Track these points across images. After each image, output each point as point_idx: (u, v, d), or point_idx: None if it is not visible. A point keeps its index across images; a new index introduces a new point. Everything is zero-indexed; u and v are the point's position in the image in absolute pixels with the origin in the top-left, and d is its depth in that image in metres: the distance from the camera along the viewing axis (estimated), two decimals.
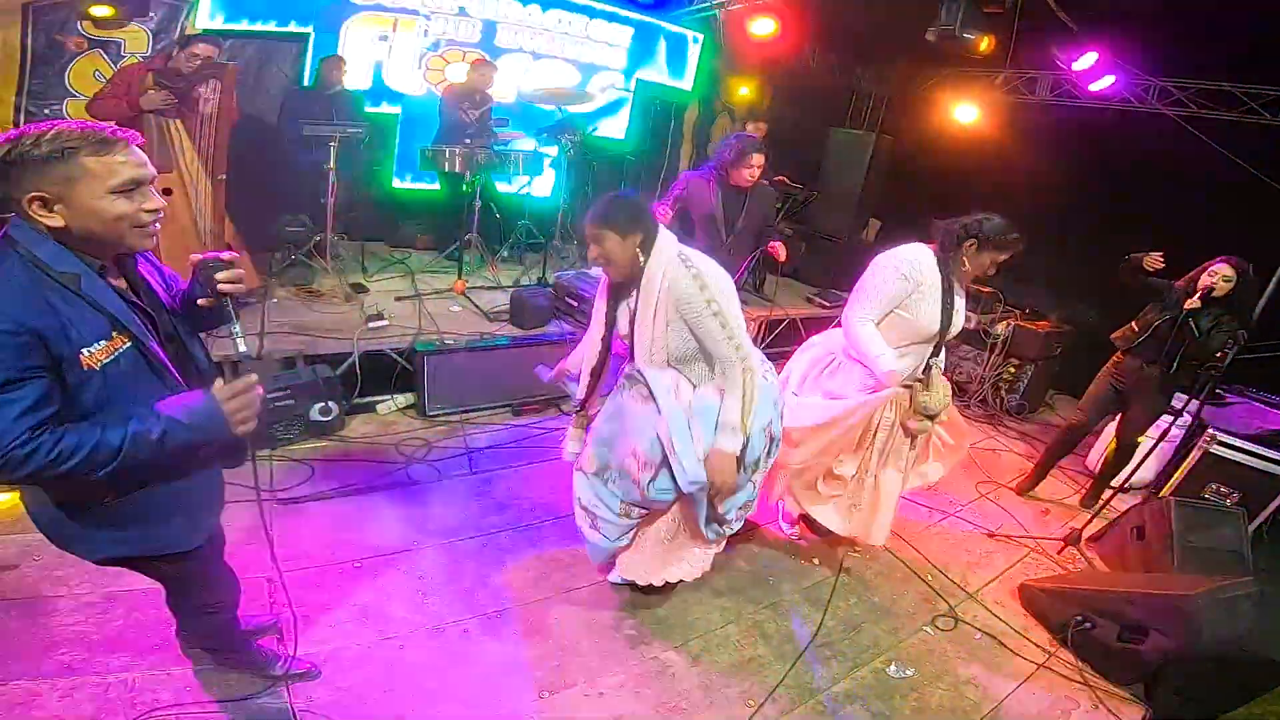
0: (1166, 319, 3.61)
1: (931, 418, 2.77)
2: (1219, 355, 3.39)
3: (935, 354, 2.81)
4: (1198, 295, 3.46)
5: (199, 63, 3.70)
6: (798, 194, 6.67)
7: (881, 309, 2.68)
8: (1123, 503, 3.87)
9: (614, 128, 6.86)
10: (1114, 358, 3.95)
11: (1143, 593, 2.75)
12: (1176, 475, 4.09)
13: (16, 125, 4.61)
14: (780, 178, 6.01)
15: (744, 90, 7.31)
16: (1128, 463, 3.90)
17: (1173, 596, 2.61)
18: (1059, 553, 3.64)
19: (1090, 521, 3.72)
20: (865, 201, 6.95)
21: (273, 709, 2.13)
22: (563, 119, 5.27)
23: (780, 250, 4.21)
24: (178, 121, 3.71)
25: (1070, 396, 5.70)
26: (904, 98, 7.45)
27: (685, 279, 2.16)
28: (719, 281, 2.21)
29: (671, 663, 2.56)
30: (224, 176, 3.78)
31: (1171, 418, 3.79)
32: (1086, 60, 5.36)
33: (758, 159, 3.81)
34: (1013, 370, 5.47)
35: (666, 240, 2.23)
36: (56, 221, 1.36)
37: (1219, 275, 3.44)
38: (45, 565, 2.56)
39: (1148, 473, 4.08)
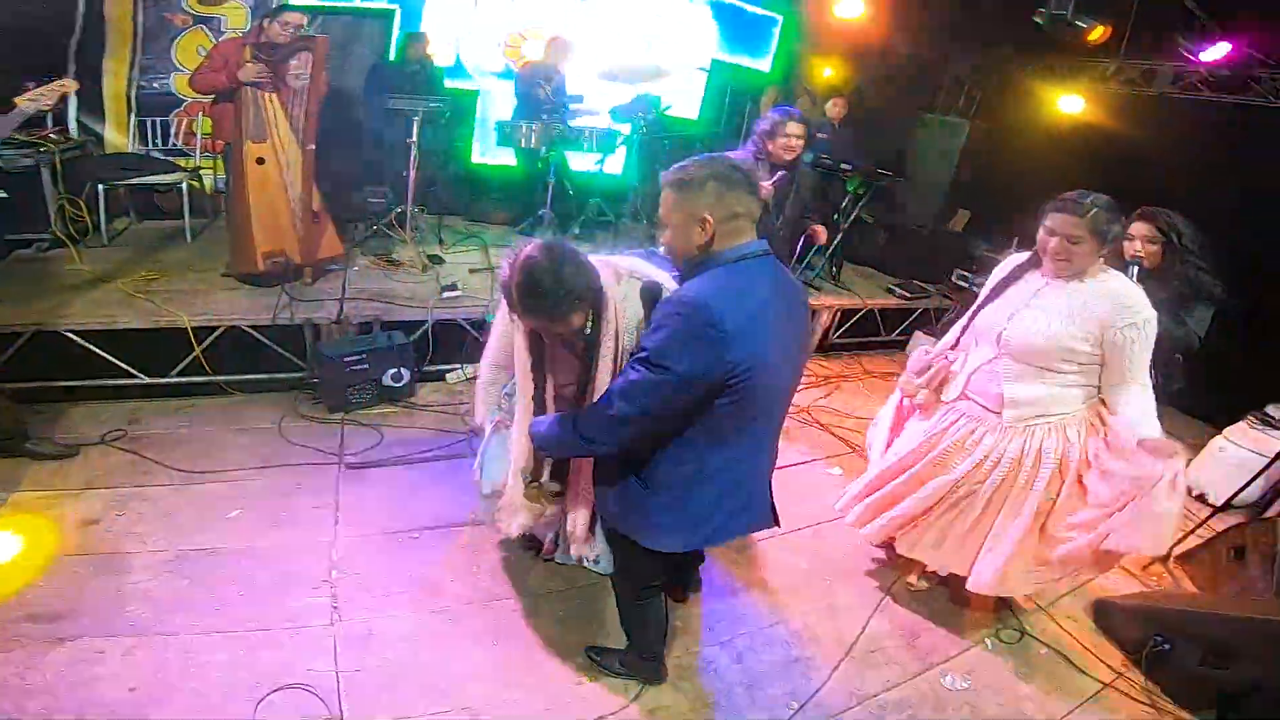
0: None
1: None
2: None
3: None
4: (1132, 273, 2.62)
5: (291, 30, 3.80)
6: (881, 181, 6.40)
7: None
8: (1221, 522, 3.55)
9: (688, 108, 6.76)
10: None
11: (1235, 616, 2.56)
12: None
13: (128, 97, 4.91)
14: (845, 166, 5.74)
15: (827, 72, 7.05)
16: None
17: (1270, 622, 2.42)
18: (1143, 569, 3.40)
19: (1183, 539, 3.45)
20: (954, 191, 6.62)
21: (321, 672, 2.20)
22: (636, 97, 5.22)
23: (821, 234, 3.99)
24: (272, 94, 3.86)
25: (1171, 409, 5.29)
26: (1001, 84, 7.02)
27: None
28: None
29: (714, 658, 2.52)
30: (313, 147, 3.90)
31: None
32: (1218, 51, 4.93)
33: (794, 128, 3.51)
34: None
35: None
36: None
37: (1139, 239, 2.76)
38: (129, 520, 2.72)
39: (1253, 492, 3.74)
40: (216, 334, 3.62)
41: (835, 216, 5.56)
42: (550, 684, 2.30)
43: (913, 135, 6.88)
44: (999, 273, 2.51)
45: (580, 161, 5.73)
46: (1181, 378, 3.17)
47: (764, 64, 6.88)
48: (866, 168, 5.62)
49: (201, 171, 4.97)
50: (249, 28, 4.87)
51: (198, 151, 5.01)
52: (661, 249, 1.86)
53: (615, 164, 6.06)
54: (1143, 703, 2.60)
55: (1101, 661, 2.78)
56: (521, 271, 1.76)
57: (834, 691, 2.44)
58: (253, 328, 3.69)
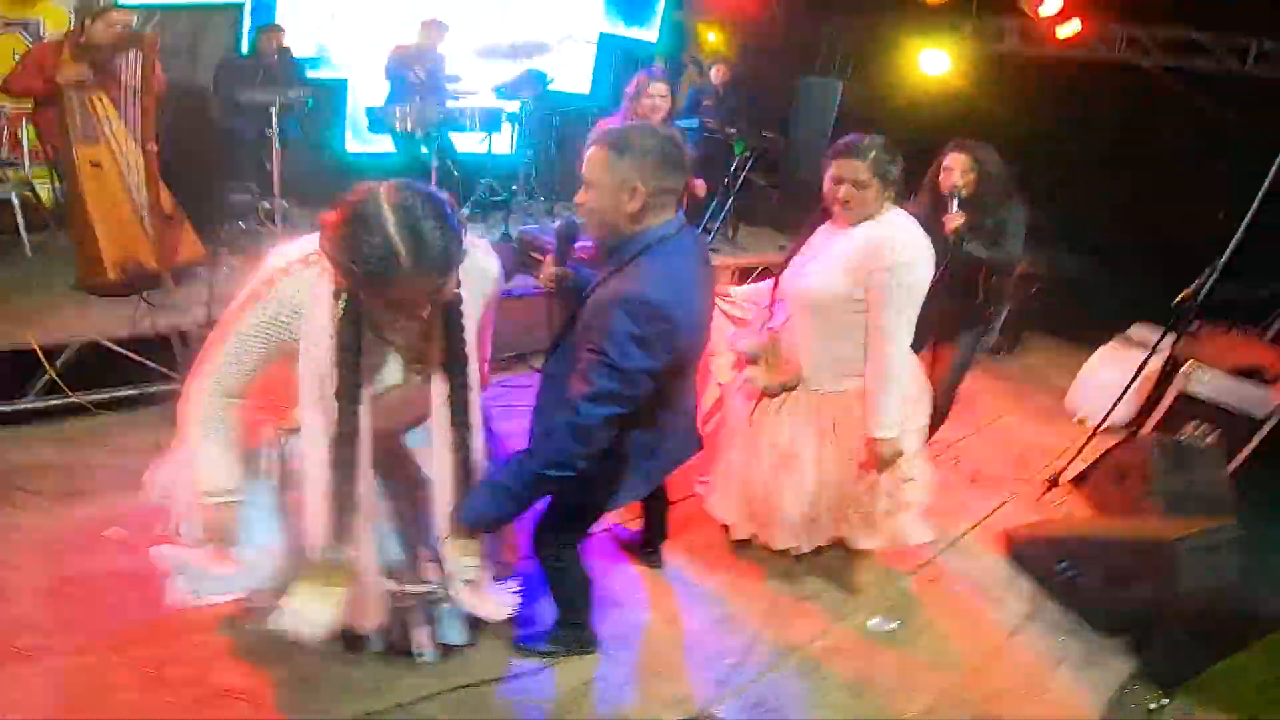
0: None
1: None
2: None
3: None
4: (953, 203, 2.85)
5: (117, 29, 3.53)
6: (765, 143, 6.50)
7: None
8: (1104, 444, 3.68)
9: (577, 82, 6.66)
10: None
11: (1123, 538, 2.66)
12: (1155, 413, 3.96)
13: None
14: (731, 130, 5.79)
15: (711, 38, 7.13)
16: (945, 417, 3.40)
17: (1152, 542, 2.51)
18: (1040, 498, 3.55)
19: (1071, 463, 3.63)
20: None
21: (237, 682, 2.04)
22: (523, 74, 5.08)
23: (699, 186, 4.00)
24: (100, 94, 3.57)
25: (1047, 336, 5.71)
26: (873, 45, 7.23)
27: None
28: None
29: (648, 623, 2.48)
30: (154, 146, 3.59)
31: (1147, 353, 3.66)
32: (1052, 6, 5.27)
33: (658, 88, 3.49)
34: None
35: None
36: None
37: (957, 169, 2.89)
38: None
39: (1126, 411, 3.94)
40: (70, 351, 3.26)
41: (725, 180, 5.58)
42: (480, 667, 2.19)
43: (794, 98, 6.99)
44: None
45: (466, 142, 5.52)
46: (1005, 300, 3.40)
47: (650, 34, 6.87)
48: (750, 130, 5.68)
49: (35, 183, 4.49)
50: (70, 29, 4.42)
51: (27, 161, 4.51)
52: (579, 209, 1.72)
53: (504, 143, 5.87)
54: (1065, 631, 2.68)
55: (1019, 593, 2.86)
56: (407, 217, 1.31)
57: (767, 644, 2.45)
58: (112, 341, 3.34)
